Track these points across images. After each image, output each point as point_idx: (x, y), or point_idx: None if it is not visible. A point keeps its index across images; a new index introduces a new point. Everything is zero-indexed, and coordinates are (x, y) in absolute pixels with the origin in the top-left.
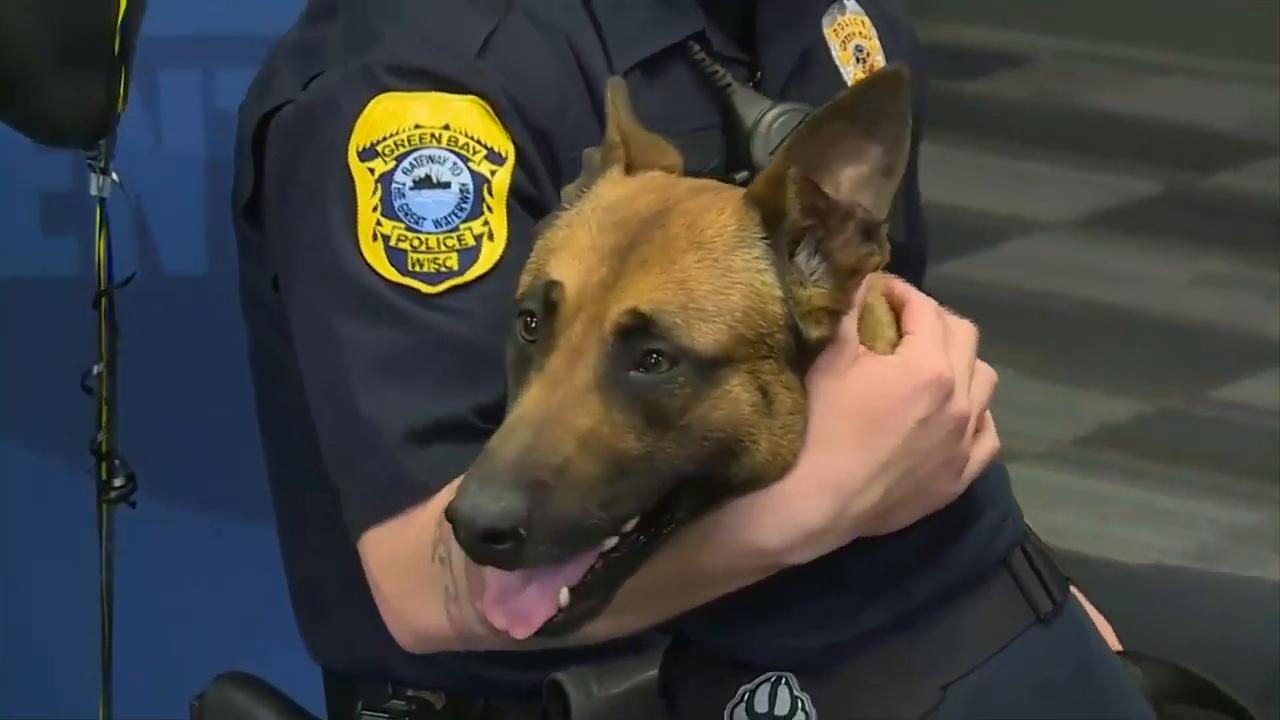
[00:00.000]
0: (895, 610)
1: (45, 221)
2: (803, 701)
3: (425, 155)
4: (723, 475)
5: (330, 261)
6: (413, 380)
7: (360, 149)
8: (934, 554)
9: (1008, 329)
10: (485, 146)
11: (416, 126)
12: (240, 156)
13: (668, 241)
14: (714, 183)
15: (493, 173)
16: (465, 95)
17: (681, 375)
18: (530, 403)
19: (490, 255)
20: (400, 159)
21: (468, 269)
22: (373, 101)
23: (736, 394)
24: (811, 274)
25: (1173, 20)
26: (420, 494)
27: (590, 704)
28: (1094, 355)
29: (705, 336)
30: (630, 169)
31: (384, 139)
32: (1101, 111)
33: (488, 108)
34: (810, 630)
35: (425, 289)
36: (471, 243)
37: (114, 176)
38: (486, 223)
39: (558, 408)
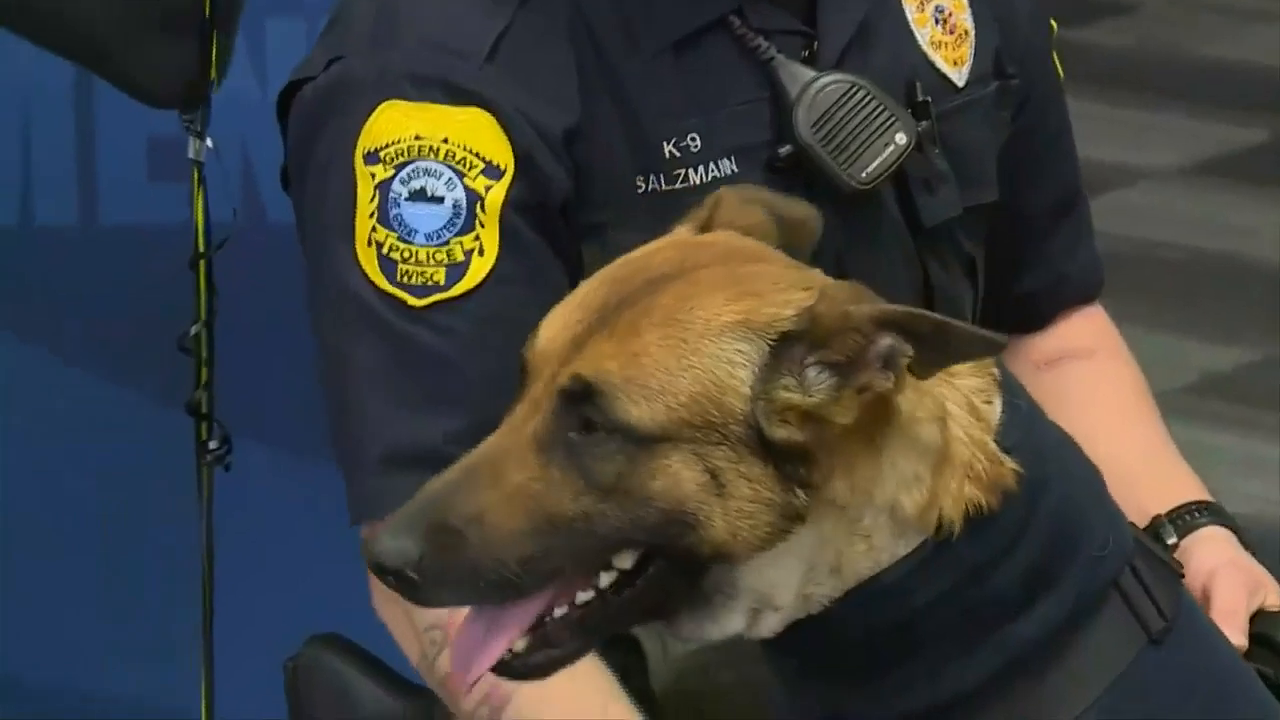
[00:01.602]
0: (1001, 660)
1: (151, 170)
2: None
3: (422, 168)
4: (684, 547)
5: (328, 262)
6: (394, 397)
7: (366, 152)
8: (1029, 603)
9: (1113, 278)
10: (483, 160)
11: (417, 138)
12: None
13: (648, 311)
14: (759, 253)
15: (488, 188)
16: (470, 107)
17: (615, 444)
18: (482, 447)
19: (478, 271)
20: (399, 168)
21: (454, 284)
22: (382, 106)
23: (676, 470)
24: (817, 386)
25: None
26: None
27: (667, 658)
28: (1200, 304)
29: (641, 412)
30: (705, 229)
31: (387, 146)
32: (1208, 59)
33: (493, 118)
34: (906, 694)
35: (411, 301)
36: (460, 258)
37: (209, 142)
38: (478, 238)
39: (497, 457)
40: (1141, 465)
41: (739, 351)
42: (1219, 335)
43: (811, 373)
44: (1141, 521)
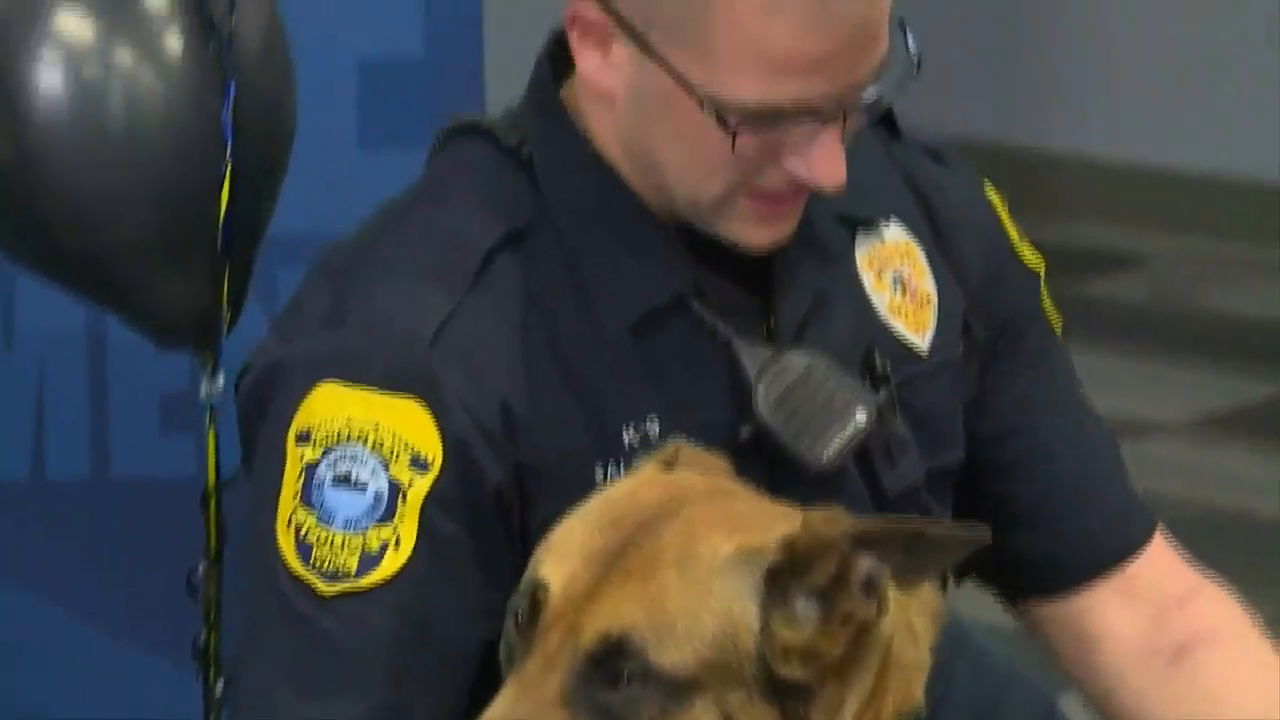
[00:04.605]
0: None
1: (163, 423)
2: None
3: (350, 453)
4: None
5: (255, 538)
6: (296, 684)
7: (299, 432)
8: None
9: None
10: (411, 451)
11: (348, 421)
12: None
13: (656, 553)
14: (732, 489)
15: (411, 481)
16: (406, 395)
17: (649, 695)
18: (499, 706)
19: (391, 564)
20: (327, 451)
21: (365, 574)
22: (319, 386)
23: (699, 718)
24: (805, 619)
25: None
26: None
27: None
28: (1211, 560)
29: (673, 657)
30: (669, 467)
31: (318, 427)
32: (1220, 312)
33: (427, 407)
34: None
35: (321, 588)
36: (375, 548)
37: (219, 383)
38: (395, 530)
39: (523, 718)
40: None
41: (744, 585)
42: (1233, 591)
43: (799, 605)
44: None
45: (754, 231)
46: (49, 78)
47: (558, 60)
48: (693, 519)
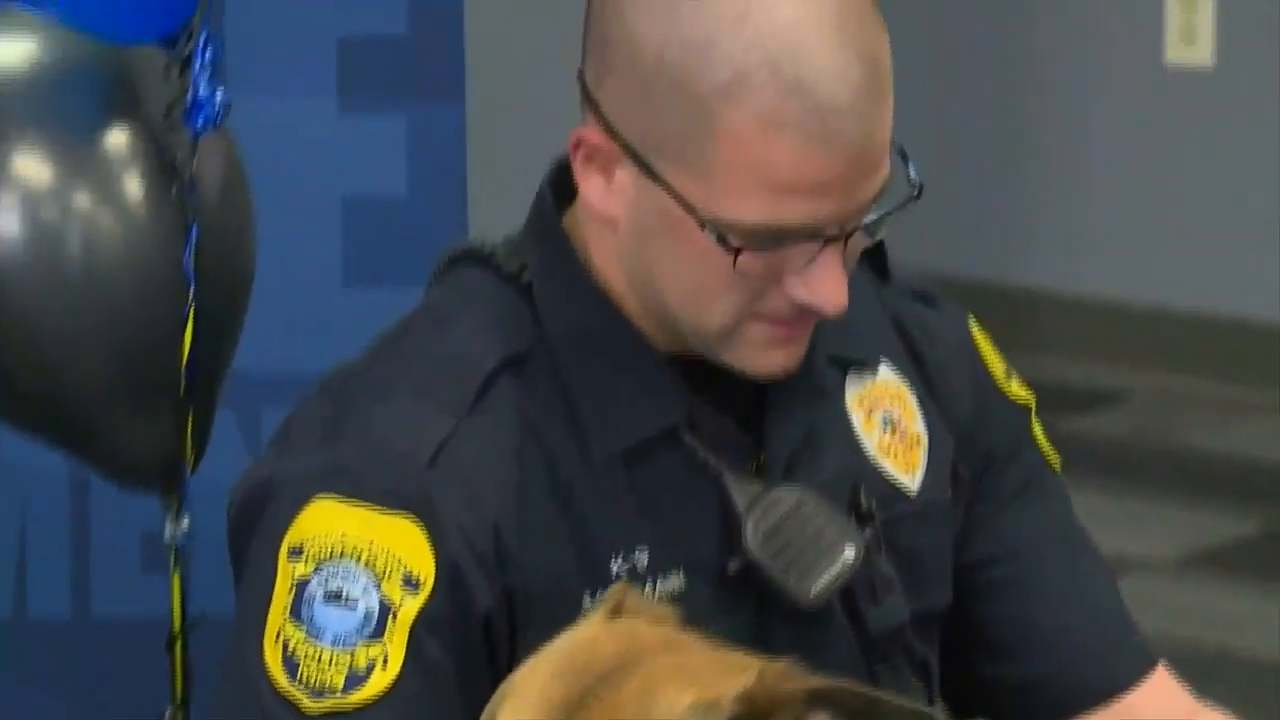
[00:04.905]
0: None
1: (144, 563)
2: None
3: (342, 569)
4: None
5: (239, 651)
6: None
7: (291, 546)
8: None
9: None
10: (405, 570)
11: (342, 537)
12: None
13: (616, 705)
14: (687, 640)
15: (402, 600)
16: (401, 514)
17: None
18: None
19: (378, 683)
20: (319, 567)
21: (351, 692)
22: (313, 502)
23: None
24: None
25: (1274, 358)
26: None
27: None
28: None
29: None
30: (616, 613)
31: (311, 542)
32: (1199, 449)
33: (423, 527)
34: None
35: (306, 703)
36: (362, 666)
37: (184, 525)
38: (384, 649)
39: None
40: None
41: None
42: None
43: None
44: None
45: (763, 357)
46: (6, 220)
47: (560, 187)
48: (651, 673)
